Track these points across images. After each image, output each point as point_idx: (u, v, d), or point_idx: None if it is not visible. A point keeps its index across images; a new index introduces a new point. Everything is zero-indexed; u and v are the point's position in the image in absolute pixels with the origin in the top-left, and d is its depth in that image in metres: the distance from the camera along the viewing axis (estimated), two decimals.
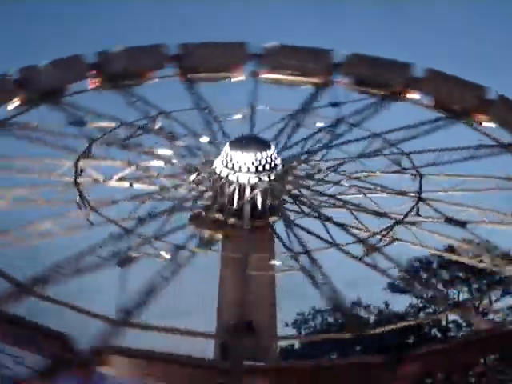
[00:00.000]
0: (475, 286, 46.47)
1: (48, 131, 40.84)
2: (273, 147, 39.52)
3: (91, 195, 39.20)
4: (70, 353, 27.74)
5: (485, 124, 41.55)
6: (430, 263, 49.07)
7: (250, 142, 39.65)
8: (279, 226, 38.40)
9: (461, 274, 47.56)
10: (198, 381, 27.68)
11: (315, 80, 43.72)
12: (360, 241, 36.21)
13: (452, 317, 48.65)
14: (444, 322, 46.90)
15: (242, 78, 44.56)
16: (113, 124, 42.11)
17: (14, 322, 28.48)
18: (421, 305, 47.00)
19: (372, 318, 47.80)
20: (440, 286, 47.99)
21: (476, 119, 41.73)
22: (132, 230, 35.82)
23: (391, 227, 37.63)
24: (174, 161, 41.17)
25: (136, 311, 30.87)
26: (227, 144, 39.45)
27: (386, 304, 49.21)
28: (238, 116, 43.63)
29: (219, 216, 38.34)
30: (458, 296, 46.03)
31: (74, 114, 41.50)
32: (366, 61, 44.01)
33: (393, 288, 47.97)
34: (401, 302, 49.10)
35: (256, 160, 38.66)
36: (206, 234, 38.06)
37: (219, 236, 38.46)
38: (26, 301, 31.32)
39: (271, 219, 38.84)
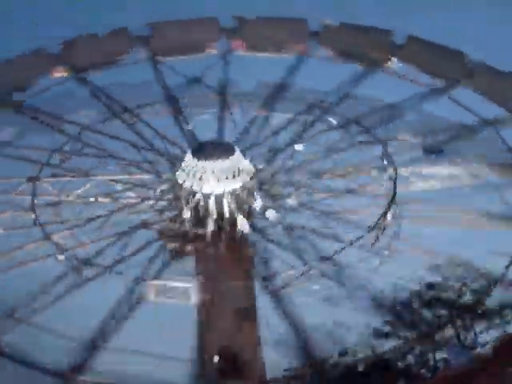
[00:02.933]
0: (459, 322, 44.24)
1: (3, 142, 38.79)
2: (237, 152, 36.85)
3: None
4: None
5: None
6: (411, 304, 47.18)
7: (213, 147, 37.19)
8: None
9: (443, 312, 45.56)
10: None
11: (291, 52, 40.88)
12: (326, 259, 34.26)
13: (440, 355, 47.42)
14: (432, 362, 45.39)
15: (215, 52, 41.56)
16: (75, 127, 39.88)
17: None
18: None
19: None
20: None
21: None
22: (90, 260, 34.25)
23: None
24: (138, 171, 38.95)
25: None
26: (188, 152, 37.01)
27: (373, 349, 47.13)
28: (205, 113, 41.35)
29: (187, 228, 36.53)
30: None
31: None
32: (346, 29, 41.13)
33: (377, 333, 46.09)
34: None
35: (220, 168, 36.27)
36: (175, 247, 36.55)
37: (189, 249, 36.93)
38: None
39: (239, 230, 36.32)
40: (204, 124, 41.13)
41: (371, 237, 35.46)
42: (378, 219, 35.52)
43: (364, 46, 40.68)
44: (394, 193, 36.09)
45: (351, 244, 34.89)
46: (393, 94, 42.18)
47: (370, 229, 35.32)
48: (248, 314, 34.70)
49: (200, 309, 34.11)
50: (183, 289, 33.59)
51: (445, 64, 39.73)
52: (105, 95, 40.49)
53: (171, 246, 36.33)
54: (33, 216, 36.79)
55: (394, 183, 36.56)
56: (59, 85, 40.50)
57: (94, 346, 30.33)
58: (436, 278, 41.54)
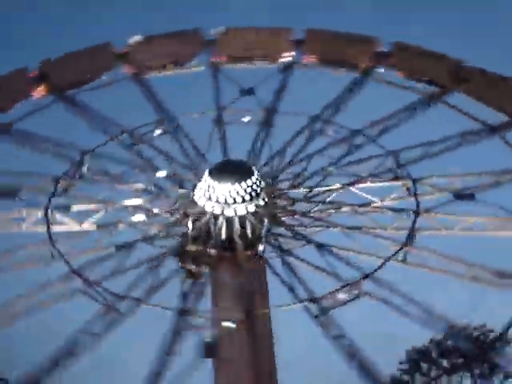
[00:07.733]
0: (477, 371, 43.97)
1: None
2: (255, 172, 37.00)
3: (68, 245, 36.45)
4: None
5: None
6: (428, 353, 47.08)
7: (231, 168, 37.23)
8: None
9: (461, 361, 45.30)
10: None
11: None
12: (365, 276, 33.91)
13: None
14: None
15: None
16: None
17: None
18: None
19: None
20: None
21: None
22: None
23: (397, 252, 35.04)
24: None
25: None
26: (206, 173, 36.82)
27: None
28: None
29: (203, 248, 36.34)
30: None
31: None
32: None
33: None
34: None
35: (241, 190, 36.37)
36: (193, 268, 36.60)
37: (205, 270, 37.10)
38: None
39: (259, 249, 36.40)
40: None
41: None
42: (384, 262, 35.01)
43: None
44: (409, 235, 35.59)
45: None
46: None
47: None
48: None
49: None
50: None
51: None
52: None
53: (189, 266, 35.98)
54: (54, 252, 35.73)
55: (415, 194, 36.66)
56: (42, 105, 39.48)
57: None
58: None
